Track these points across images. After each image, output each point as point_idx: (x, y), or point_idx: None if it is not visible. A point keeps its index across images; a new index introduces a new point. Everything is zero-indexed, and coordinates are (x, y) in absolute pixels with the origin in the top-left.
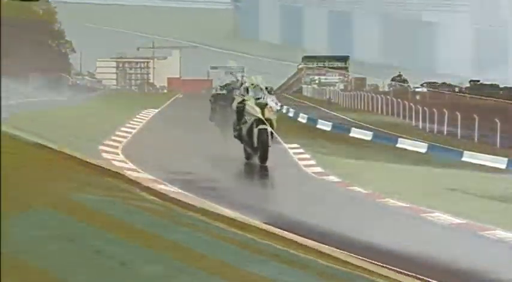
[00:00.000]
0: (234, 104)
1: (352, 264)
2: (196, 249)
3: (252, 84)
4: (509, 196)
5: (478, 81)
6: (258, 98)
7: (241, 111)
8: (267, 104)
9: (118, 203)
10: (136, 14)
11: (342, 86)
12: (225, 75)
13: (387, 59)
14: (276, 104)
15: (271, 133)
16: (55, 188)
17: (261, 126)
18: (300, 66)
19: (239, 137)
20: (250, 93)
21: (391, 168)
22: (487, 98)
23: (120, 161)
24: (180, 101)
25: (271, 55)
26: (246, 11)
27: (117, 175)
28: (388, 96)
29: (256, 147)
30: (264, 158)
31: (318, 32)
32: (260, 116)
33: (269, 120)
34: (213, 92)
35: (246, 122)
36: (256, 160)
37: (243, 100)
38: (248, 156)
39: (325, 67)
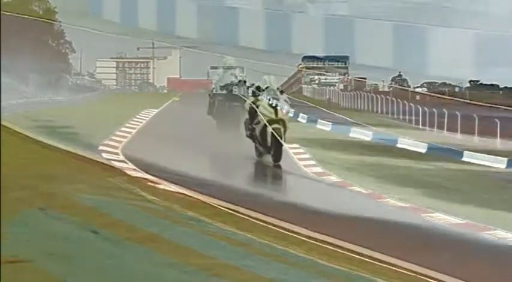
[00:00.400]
0: (247, 105)
1: (352, 264)
2: (196, 249)
3: (265, 84)
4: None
5: (478, 81)
6: (271, 99)
7: (253, 111)
8: (278, 105)
9: (118, 203)
10: None
11: (341, 86)
12: (224, 74)
13: (210, 38)
14: (288, 104)
15: (284, 132)
16: (55, 188)
17: (274, 126)
18: (300, 66)
19: (251, 136)
20: (263, 93)
21: None
22: (483, 104)
23: (120, 161)
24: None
25: (114, 32)
26: None
27: (117, 175)
28: (388, 97)
29: (270, 146)
30: (277, 157)
31: (147, 12)
32: (273, 116)
33: (282, 121)
34: (212, 89)
35: (259, 122)
36: (268, 159)
37: (256, 100)
38: (260, 155)
39: (325, 67)
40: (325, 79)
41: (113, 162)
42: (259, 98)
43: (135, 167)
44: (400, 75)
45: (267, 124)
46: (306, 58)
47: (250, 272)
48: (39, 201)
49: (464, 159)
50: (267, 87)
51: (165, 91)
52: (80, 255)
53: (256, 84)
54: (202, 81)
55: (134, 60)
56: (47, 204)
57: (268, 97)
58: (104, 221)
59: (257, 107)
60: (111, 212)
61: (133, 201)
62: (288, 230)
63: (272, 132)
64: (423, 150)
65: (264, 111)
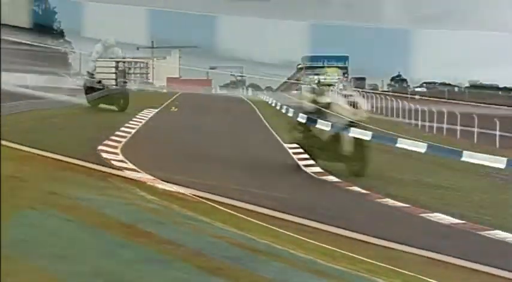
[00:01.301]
0: (306, 103)
1: (352, 264)
2: (196, 249)
3: (329, 76)
4: None
5: (477, 81)
6: (346, 95)
7: (319, 110)
8: (357, 103)
9: (118, 203)
10: None
11: (341, 86)
12: (104, 51)
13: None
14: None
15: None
16: (55, 188)
17: (357, 130)
18: (300, 66)
19: (309, 142)
20: (335, 87)
21: None
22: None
23: (119, 161)
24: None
25: None
26: None
27: (117, 175)
28: (388, 97)
29: (345, 156)
30: (362, 171)
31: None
32: (357, 118)
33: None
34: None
35: (333, 125)
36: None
37: (316, 96)
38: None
39: (324, 67)
40: (325, 79)
41: (112, 161)
42: (326, 93)
43: (134, 167)
44: (399, 75)
45: (346, 128)
46: (305, 58)
47: (250, 272)
48: (40, 201)
49: (463, 159)
50: (331, 80)
51: (165, 91)
52: (79, 255)
53: (315, 78)
54: (201, 80)
55: (133, 60)
56: (47, 204)
57: (343, 93)
58: (104, 221)
59: (328, 104)
60: (111, 211)
61: (133, 201)
62: None
63: (355, 139)
64: (423, 150)
65: (340, 111)
